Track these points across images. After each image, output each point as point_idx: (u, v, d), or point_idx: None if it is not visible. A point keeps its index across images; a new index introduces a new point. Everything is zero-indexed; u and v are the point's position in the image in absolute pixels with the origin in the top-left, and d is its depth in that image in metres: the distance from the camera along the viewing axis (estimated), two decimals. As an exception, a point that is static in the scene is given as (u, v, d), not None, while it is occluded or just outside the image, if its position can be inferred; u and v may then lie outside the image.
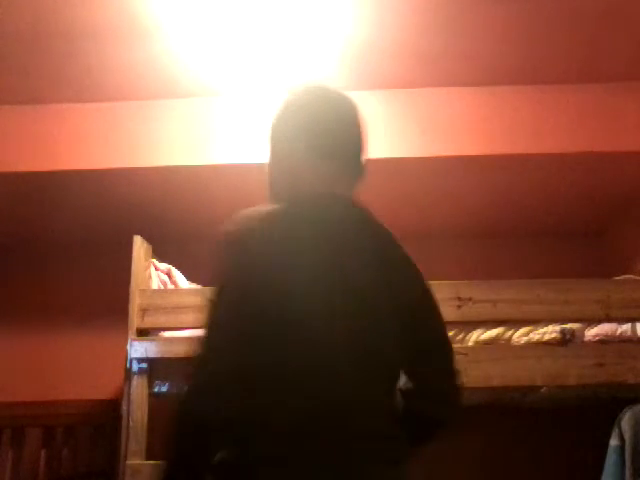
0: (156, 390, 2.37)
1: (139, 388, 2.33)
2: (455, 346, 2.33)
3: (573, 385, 2.35)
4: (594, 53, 2.52)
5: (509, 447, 2.96)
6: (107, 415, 2.89)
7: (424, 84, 2.68)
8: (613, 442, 2.24)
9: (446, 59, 2.52)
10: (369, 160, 1.31)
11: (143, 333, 2.43)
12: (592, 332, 2.42)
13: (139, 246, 2.52)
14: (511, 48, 2.48)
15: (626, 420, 2.23)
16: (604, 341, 2.39)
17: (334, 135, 1.23)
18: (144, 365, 2.35)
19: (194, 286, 2.69)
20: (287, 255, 1.08)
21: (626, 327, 2.41)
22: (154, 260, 2.63)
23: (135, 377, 2.34)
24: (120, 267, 2.58)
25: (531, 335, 2.40)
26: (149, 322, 2.43)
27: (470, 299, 2.40)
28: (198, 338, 1.05)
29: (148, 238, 2.60)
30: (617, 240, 3.32)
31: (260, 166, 2.91)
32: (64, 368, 3.22)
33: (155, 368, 2.37)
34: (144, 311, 2.42)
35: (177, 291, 2.58)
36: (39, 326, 3.36)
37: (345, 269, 1.09)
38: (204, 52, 2.44)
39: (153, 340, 2.40)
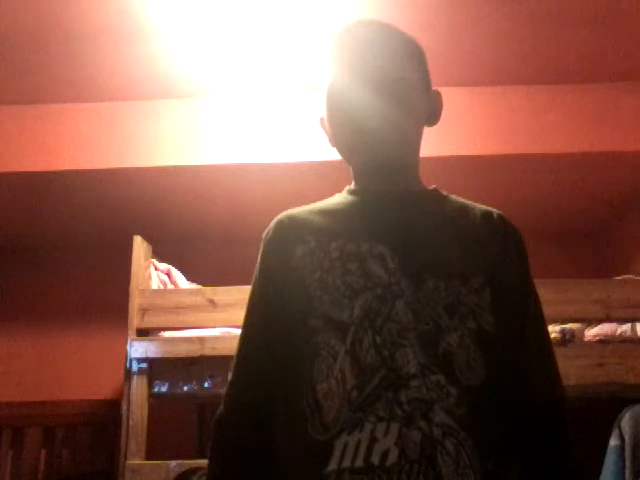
0: (156, 390, 2.36)
1: (139, 388, 2.32)
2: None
3: (573, 385, 2.34)
4: (594, 53, 2.52)
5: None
6: (107, 415, 2.90)
7: (424, 84, 2.68)
8: (613, 442, 2.23)
9: (446, 59, 2.52)
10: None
11: (143, 333, 2.43)
12: (592, 332, 2.42)
13: (139, 246, 2.52)
14: (511, 48, 2.48)
15: (626, 420, 2.22)
16: (604, 341, 2.40)
17: None
18: (144, 365, 2.35)
19: (194, 286, 2.69)
20: None
21: (626, 327, 2.41)
22: (154, 260, 2.63)
23: (135, 377, 2.34)
24: (120, 267, 2.58)
25: (531, 335, 2.40)
26: (149, 322, 2.42)
27: (470, 299, 2.39)
28: None
29: (148, 238, 2.60)
30: (617, 240, 3.32)
31: (259, 166, 2.93)
32: (64, 368, 3.23)
33: (155, 368, 2.37)
34: (144, 311, 2.42)
35: (177, 291, 2.58)
36: (39, 326, 3.36)
37: None
38: (207, 52, 2.44)
39: (153, 340, 2.40)
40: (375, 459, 0.84)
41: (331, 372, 0.90)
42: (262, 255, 1.05)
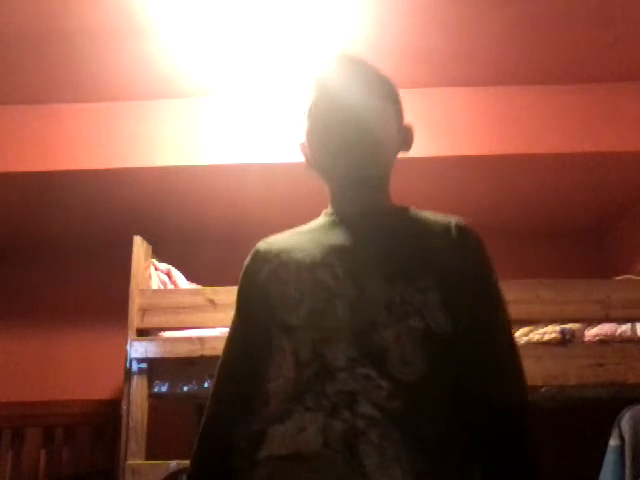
0: (156, 390, 2.37)
1: (139, 388, 2.33)
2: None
3: (573, 385, 2.35)
4: (594, 53, 2.52)
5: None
6: (107, 415, 2.89)
7: (424, 84, 2.68)
8: (613, 442, 2.23)
9: (446, 59, 2.52)
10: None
11: (143, 333, 2.43)
12: (592, 332, 2.41)
13: (139, 246, 2.52)
14: (511, 48, 2.48)
15: (626, 420, 2.22)
16: (604, 341, 2.39)
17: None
18: (144, 365, 2.35)
19: (194, 286, 2.69)
20: None
21: (626, 327, 2.41)
22: (154, 260, 2.63)
23: (135, 377, 2.34)
24: (120, 267, 2.58)
25: (531, 335, 2.40)
26: (149, 322, 2.43)
27: (470, 299, 2.39)
28: None
29: (148, 238, 2.60)
30: (617, 240, 3.32)
31: (259, 166, 2.93)
32: (64, 368, 3.22)
33: (155, 368, 2.37)
34: (144, 311, 2.42)
35: (177, 291, 2.58)
36: (39, 326, 3.36)
37: None
38: (206, 52, 2.44)
39: (153, 340, 2.40)
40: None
41: (280, 371, 0.99)
42: (240, 280, 1.15)
